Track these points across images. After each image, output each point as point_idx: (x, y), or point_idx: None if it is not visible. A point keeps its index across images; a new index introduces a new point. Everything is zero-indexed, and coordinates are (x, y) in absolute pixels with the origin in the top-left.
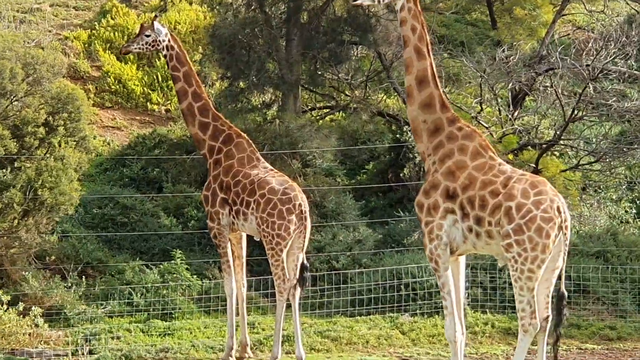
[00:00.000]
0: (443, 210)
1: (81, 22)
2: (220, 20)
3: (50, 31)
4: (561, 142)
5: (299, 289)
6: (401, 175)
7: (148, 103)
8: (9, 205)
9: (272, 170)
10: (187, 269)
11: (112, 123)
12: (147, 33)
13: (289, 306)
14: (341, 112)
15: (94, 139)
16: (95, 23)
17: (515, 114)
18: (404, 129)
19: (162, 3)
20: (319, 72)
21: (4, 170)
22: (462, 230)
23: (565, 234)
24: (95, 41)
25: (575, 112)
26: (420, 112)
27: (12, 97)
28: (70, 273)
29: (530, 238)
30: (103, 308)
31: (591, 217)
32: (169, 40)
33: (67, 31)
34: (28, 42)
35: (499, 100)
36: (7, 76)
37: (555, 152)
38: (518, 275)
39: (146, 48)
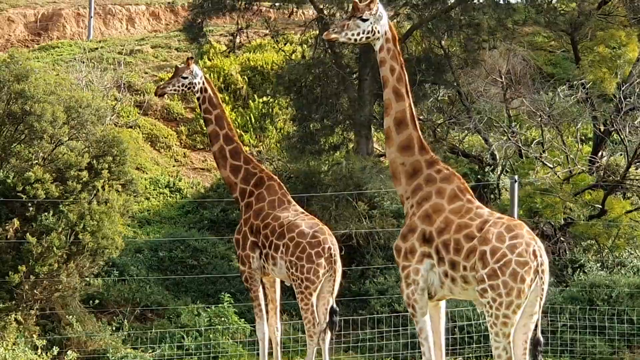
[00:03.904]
0: (420, 254)
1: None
2: (286, 62)
3: (146, 73)
4: (628, 182)
5: (329, 333)
6: None
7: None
8: (49, 248)
9: (302, 213)
10: (235, 312)
11: (202, 165)
12: (184, 75)
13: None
14: None
15: (180, 181)
16: None
17: (600, 153)
18: (486, 169)
19: (231, 44)
20: None
21: (47, 214)
22: (439, 275)
23: (542, 278)
24: None
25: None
26: (399, 154)
27: (55, 140)
28: (115, 317)
29: (504, 283)
30: (153, 352)
31: None
32: (203, 83)
33: (163, 72)
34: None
35: (565, 139)
36: (48, 119)
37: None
38: (493, 320)
39: (182, 90)
